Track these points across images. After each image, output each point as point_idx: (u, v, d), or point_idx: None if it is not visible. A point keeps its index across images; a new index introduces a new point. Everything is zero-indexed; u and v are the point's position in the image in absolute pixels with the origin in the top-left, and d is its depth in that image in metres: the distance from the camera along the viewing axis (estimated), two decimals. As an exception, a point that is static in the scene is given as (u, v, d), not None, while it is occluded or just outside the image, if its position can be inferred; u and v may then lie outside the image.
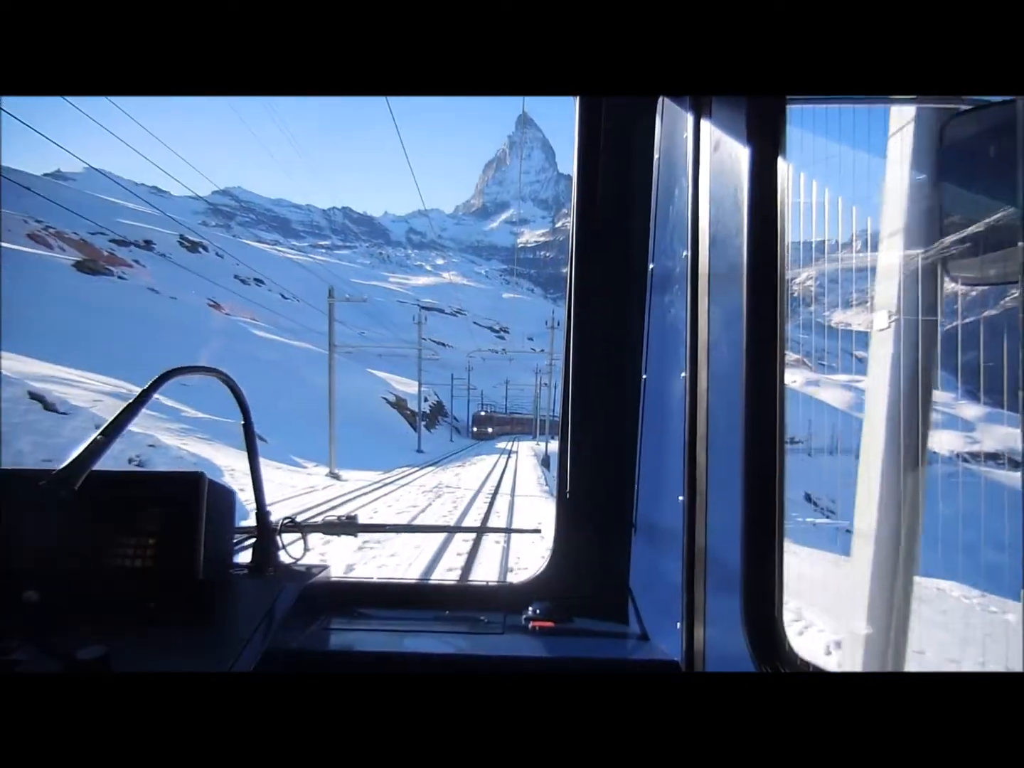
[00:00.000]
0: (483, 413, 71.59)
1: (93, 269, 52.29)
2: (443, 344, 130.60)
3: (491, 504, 13.62)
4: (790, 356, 1.01)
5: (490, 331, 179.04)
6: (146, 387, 1.19)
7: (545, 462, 27.16)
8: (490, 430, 68.54)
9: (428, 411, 58.46)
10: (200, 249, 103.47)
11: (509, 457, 33.40)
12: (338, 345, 23.92)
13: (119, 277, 57.03)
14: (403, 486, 17.15)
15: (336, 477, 19.00)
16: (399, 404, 51.56)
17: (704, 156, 1.18)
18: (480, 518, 11.60)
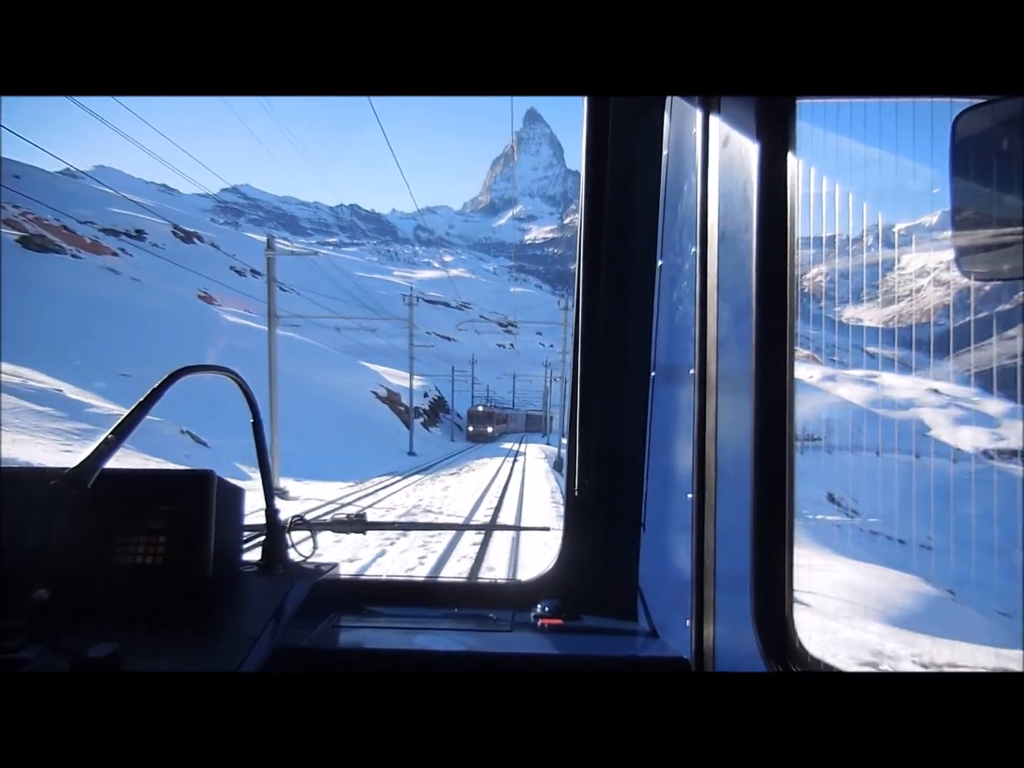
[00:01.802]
0: (480, 408, 56.99)
1: (41, 246, 46.85)
2: (448, 338, 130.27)
3: (484, 546, 9.29)
4: (800, 352, 1.00)
5: (497, 325, 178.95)
6: (156, 386, 1.20)
7: (559, 466, 23.47)
8: (490, 429, 54.61)
9: (428, 407, 54.27)
10: (195, 240, 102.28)
11: (515, 461, 28.48)
12: (282, 315, 18.13)
13: (72, 256, 51.41)
14: (364, 509, 12.27)
15: (281, 494, 13.83)
16: (392, 399, 45.28)
17: (713, 152, 1.17)
18: (467, 572, 8.05)
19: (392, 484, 18.13)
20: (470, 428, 54.40)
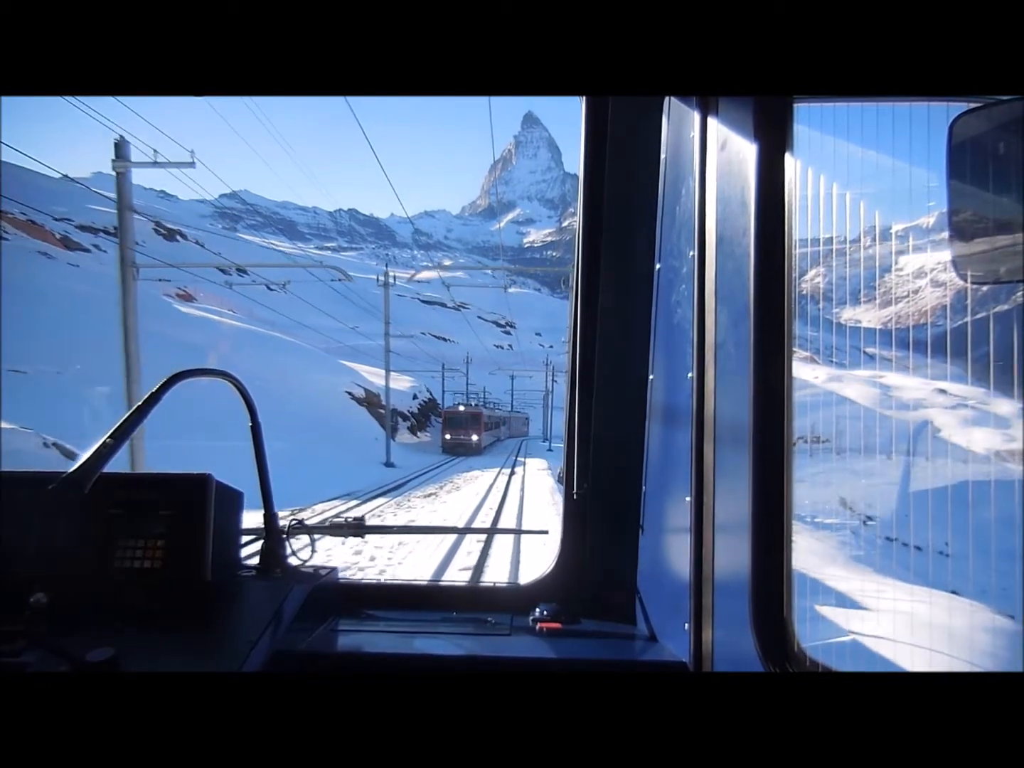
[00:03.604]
0: (461, 408, 41.31)
1: (-42, 225, 43.46)
2: (444, 339, 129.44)
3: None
4: (799, 354, 1.00)
5: (495, 325, 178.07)
6: (154, 390, 1.20)
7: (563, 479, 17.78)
8: (475, 438, 39.35)
9: (417, 410, 46.40)
10: (177, 238, 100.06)
11: (511, 476, 23.10)
12: (142, 264, 12.75)
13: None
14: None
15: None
16: (371, 400, 37.71)
17: (711, 155, 1.17)
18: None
19: (345, 513, 10.91)
20: (447, 436, 39.46)
